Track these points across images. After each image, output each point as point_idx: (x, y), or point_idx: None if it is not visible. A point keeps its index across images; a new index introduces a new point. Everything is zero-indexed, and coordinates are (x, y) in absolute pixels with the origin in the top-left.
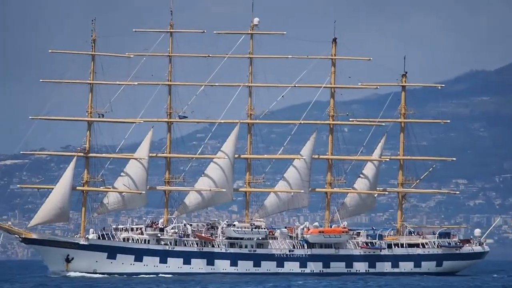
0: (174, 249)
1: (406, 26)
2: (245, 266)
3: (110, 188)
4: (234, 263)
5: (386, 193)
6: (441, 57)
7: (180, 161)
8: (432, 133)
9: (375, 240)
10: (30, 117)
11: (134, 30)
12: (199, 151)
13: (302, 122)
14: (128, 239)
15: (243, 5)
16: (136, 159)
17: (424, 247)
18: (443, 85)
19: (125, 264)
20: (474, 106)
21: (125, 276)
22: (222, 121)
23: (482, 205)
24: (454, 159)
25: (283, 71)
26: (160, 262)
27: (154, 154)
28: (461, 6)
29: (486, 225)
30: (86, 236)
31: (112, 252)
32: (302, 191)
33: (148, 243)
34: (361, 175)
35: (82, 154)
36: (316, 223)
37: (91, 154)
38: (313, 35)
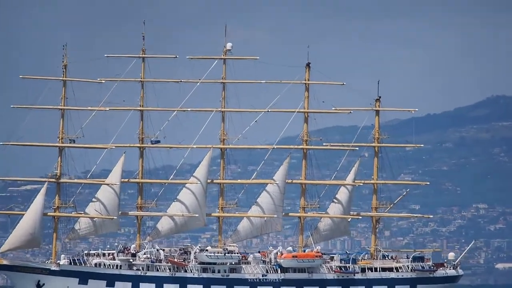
0: (147, 274)
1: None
2: None
3: (81, 213)
4: None
5: (360, 217)
6: (461, 82)
7: (152, 186)
8: (453, 158)
9: (348, 264)
10: (1, 143)
11: (105, 55)
12: (171, 177)
13: (275, 147)
14: (100, 265)
15: (216, 31)
16: (108, 184)
17: (397, 271)
18: (416, 109)
19: None
20: (494, 131)
21: None
22: (195, 147)
23: (502, 230)
24: (428, 183)
25: (256, 96)
26: None
27: (126, 180)
28: (481, 30)
29: (507, 249)
30: (58, 261)
31: (84, 277)
32: (275, 215)
33: (120, 268)
34: (335, 200)
35: (53, 180)
36: (290, 248)
37: (62, 180)
38: (287, 60)
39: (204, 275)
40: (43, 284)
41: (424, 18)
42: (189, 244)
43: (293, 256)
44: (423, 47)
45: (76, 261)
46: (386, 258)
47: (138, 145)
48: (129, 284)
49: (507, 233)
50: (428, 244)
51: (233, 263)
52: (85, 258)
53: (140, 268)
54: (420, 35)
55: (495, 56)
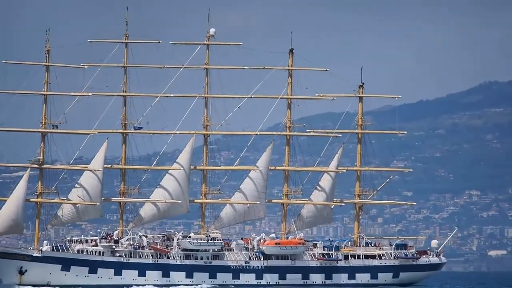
0: (129, 261)
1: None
2: (200, 278)
3: (64, 199)
4: (189, 275)
5: (343, 204)
6: (454, 69)
7: (135, 172)
8: (446, 144)
9: (331, 252)
10: None
11: (89, 40)
12: (154, 163)
13: (258, 133)
14: (82, 251)
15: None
16: (90, 170)
17: (381, 258)
18: (400, 96)
19: (79, 276)
20: (487, 117)
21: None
22: (178, 132)
23: (495, 217)
24: (411, 170)
25: (239, 82)
26: (114, 274)
27: (109, 166)
28: (474, 17)
29: (500, 236)
30: (40, 248)
31: (66, 264)
32: (258, 202)
33: (103, 255)
34: (318, 187)
35: (36, 165)
36: (273, 235)
37: (45, 166)
38: (270, 46)
39: (187, 261)
40: (26, 271)
41: (416, 3)
42: (172, 231)
43: (276, 243)
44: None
45: (59, 247)
46: (369, 246)
47: (121, 131)
48: (112, 271)
49: (500, 220)
50: (421, 231)
51: (216, 250)
52: (67, 244)
53: (123, 254)
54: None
55: (488, 42)
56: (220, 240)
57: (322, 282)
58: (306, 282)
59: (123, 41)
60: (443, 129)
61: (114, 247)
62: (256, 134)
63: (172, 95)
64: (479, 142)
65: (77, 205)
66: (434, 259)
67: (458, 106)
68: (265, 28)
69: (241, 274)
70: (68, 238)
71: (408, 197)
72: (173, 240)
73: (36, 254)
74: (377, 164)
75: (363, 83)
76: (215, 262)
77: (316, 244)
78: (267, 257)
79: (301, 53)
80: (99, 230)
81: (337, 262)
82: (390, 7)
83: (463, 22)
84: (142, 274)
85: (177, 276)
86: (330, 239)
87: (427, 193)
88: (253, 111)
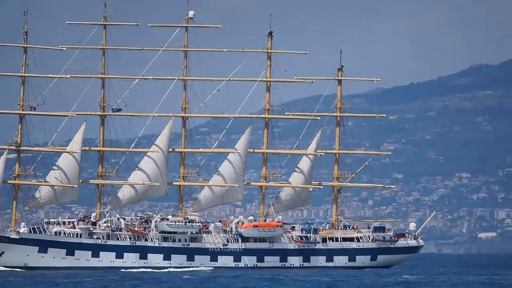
0: (107, 243)
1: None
2: (178, 260)
3: (41, 181)
4: (167, 257)
5: (321, 187)
6: (445, 51)
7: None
8: (436, 127)
9: (309, 234)
10: None
11: (67, 22)
12: (132, 145)
13: (237, 116)
14: (60, 233)
15: None
16: (68, 152)
17: (358, 241)
18: (379, 79)
19: (56, 258)
20: (478, 100)
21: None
22: (156, 115)
23: (485, 199)
24: (390, 153)
25: (218, 65)
26: (92, 256)
27: (87, 148)
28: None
29: (490, 218)
30: (17, 229)
31: (44, 246)
32: (236, 185)
33: (80, 237)
34: (296, 169)
35: (13, 147)
36: (251, 217)
37: (22, 148)
38: (249, 28)
39: (165, 244)
40: (3, 252)
41: None
42: (150, 213)
43: (254, 226)
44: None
45: (36, 229)
46: (348, 228)
47: (99, 113)
48: (89, 253)
49: (490, 202)
50: (411, 213)
51: (194, 232)
52: (45, 226)
53: (101, 236)
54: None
55: (479, 25)
56: (198, 222)
57: (300, 264)
58: (284, 264)
59: (102, 23)
60: (434, 111)
61: (91, 229)
62: (235, 117)
63: (150, 77)
64: (469, 124)
65: (55, 187)
66: (412, 242)
67: (449, 88)
68: (244, 11)
69: (219, 257)
70: (46, 220)
71: (398, 179)
72: (151, 222)
73: (13, 236)
74: (367, 146)
75: (342, 66)
76: (193, 245)
77: (294, 226)
78: (245, 239)
79: (281, 36)
80: (76, 212)
81: (315, 245)
82: None
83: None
84: (120, 256)
85: (155, 258)
86: (308, 221)
87: (418, 176)
88: (232, 94)
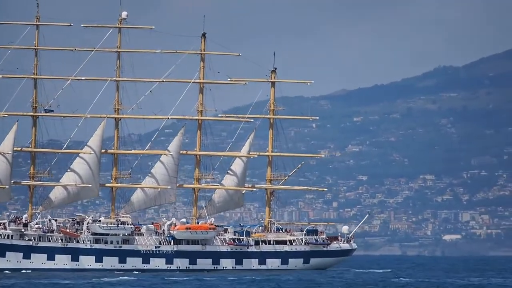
0: (38, 245)
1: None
2: (110, 262)
3: None
4: (99, 259)
5: (254, 189)
6: (409, 53)
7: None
8: (400, 129)
9: (242, 237)
10: None
11: None
12: (64, 146)
13: (170, 117)
14: None
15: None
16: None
17: (291, 244)
18: (312, 82)
19: None
20: (442, 102)
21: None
22: (89, 116)
23: (449, 201)
24: (323, 156)
25: (151, 66)
26: (23, 258)
27: (19, 149)
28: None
29: (454, 221)
30: None
31: None
32: (169, 187)
33: (12, 238)
34: (230, 171)
35: None
36: (184, 219)
37: None
38: (182, 30)
39: (97, 246)
40: None
41: None
42: (82, 215)
43: (186, 228)
44: (370, 17)
45: None
46: (280, 231)
47: (31, 113)
48: (20, 255)
49: (454, 205)
50: (375, 215)
51: (126, 234)
52: None
53: (32, 238)
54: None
55: (443, 26)
56: (130, 224)
57: (233, 267)
58: (217, 267)
59: (34, 23)
60: (398, 113)
61: (23, 230)
62: (168, 118)
63: (83, 78)
64: (433, 126)
65: None
66: (344, 245)
67: (413, 90)
68: (177, 11)
69: (151, 259)
70: None
71: (363, 181)
72: (83, 224)
73: None
74: (332, 148)
75: (276, 68)
76: (125, 247)
77: (227, 229)
78: (177, 241)
79: (215, 38)
80: (7, 213)
81: (247, 248)
82: None
83: (419, 4)
84: (51, 258)
85: (87, 260)
86: (241, 224)
87: (382, 177)
88: (165, 96)
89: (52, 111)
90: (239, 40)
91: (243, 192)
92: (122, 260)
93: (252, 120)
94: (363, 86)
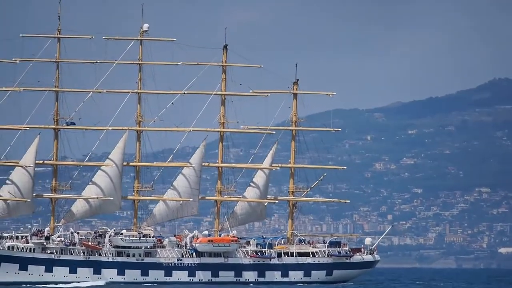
0: (60, 258)
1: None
2: (132, 275)
3: None
4: (121, 272)
5: (276, 201)
6: (464, 65)
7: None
8: (455, 141)
9: (264, 249)
10: None
11: (21, 35)
12: (86, 159)
13: (191, 130)
14: (13, 248)
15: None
16: (21, 166)
17: (314, 256)
18: (334, 93)
19: (9, 273)
20: (497, 114)
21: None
22: (110, 128)
23: (505, 214)
24: (345, 168)
25: (173, 78)
26: (45, 271)
27: (41, 162)
28: (487, 9)
29: (510, 233)
30: None
31: None
32: (191, 199)
33: (34, 251)
34: (252, 184)
35: None
36: (206, 232)
37: None
38: (204, 42)
39: (119, 258)
40: None
41: None
42: (104, 227)
43: (208, 241)
44: (426, 29)
45: None
46: (303, 243)
47: (53, 126)
48: (42, 268)
49: (510, 217)
50: (430, 228)
51: (148, 247)
52: None
53: (54, 251)
54: (421, 14)
55: (499, 39)
56: (153, 237)
57: (255, 279)
58: (239, 279)
59: (56, 35)
60: (453, 126)
61: (45, 243)
62: (190, 131)
63: (104, 90)
64: (488, 139)
65: (8, 201)
66: (367, 257)
67: (468, 103)
68: (199, 24)
69: (173, 271)
70: None
71: (418, 194)
72: (105, 237)
73: None
74: (387, 161)
75: (298, 80)
76: (147, 259)
77: (249, 241)
78: (199, 254)
79: (236, 49)
80: (29, 226)
81: (270, 260)
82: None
83: (474, 17)
84: (73, 271)
85: (109, 273)
86: (263, 236)
87: (437, 190)
88: (187, 108)
89: (74, 123)
90: (264, 53)
91: (265, 204)
92: (144, 273)
93: (274, 132)
94: (418, 98)
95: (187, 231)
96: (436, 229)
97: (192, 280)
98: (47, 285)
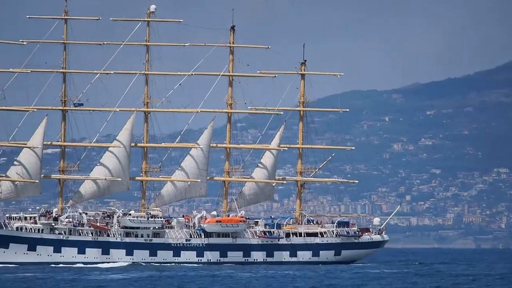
0: (69, 239)
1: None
2: (140, 256)
3: (3, 176)
4: (129, 253)
5: (284, 182)
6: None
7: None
8: (474, 122)
9: (273, 229)
10: None
11: (27, 16)
12: (94, 140)
13: (199, 110)
14: (21, 228)
15: None
16: (29, 147)
17: (322, 236)
18: (342, 74)
19: (18, 254)
20: None
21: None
22: (118, 110)
23: None
24: (353, 148)
25: (180, 59)
26: (54, 252)
27: (49, 143)
28: None
29: None
30: None
31: (5, 241)
32: (199, 180)
33: (42, 232)
34: (260, 164)
35: None
36: (214, 212)
37: None
38: (211, 23)
39: (127, 239)
40: None
41: None
42: (113, 208)
43: (217, 221)
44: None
45: None
46: (311, 223)
47: (61, 107)
48: (51, 248)
49: None
50: (449, 208)
51: (157, 227)
52: (6, 221)
53: (62, 232)
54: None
55: None
56: (161, 217)
57: (264, 259)
58: (247, 259)
59: (63, 17)
60: (471, 106)
61: (53, 224)
62: (197, 112)
63: (112, 72)
64: (507, 120)
65: (16, 182)
66: (376, 237)
67: (487, 83)
68: (206, 5)
69: (182, 252)
70: (8, 215)
71: (436, 175)
72: (113, 217)
73: None
74: (405, 141)
75: (305, 61)
76: (155, 240)
77: (257, 221)
78: (208, 234)
79: (243, 31)
80: (38, 207)
81: (278, 240)
82: None
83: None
84: (81, 251)
85: (117, 254)
86: (272, 216)
87: (455, 171)
88: (194, 89)
89: (82, 105)
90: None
91: (273, 184)
92: (153, 254)
93: (281, 113)
94: (436, 79)
95: (195, 211)
96: (455, 209)
97: (201, 260)
98: (60, 265)
